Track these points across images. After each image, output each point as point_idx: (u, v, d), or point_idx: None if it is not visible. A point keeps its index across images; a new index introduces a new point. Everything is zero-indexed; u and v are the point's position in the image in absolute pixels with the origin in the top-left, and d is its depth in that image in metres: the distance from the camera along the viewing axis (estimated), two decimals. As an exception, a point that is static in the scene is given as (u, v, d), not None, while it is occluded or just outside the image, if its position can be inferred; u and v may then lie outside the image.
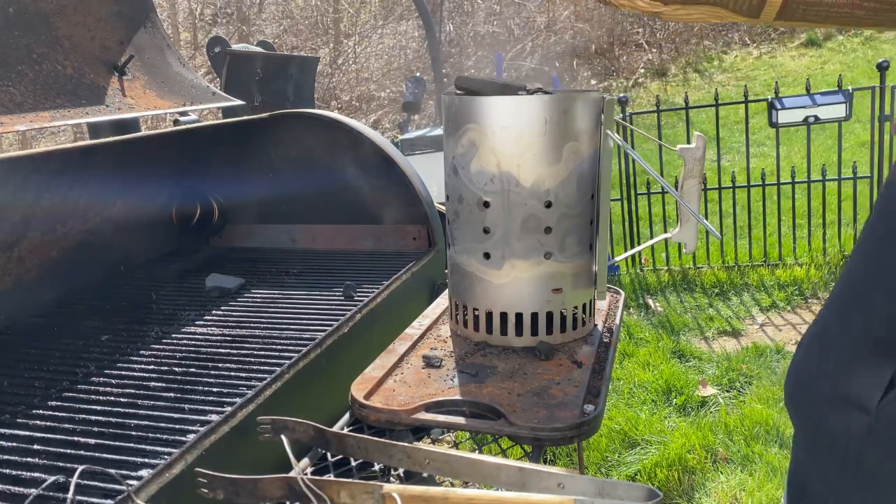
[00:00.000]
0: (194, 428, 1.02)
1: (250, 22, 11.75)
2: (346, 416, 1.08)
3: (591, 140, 1.14)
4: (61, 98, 1.63)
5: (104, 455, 0.97)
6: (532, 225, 1.14)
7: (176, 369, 1.25)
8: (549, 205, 1.13)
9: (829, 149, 5.82)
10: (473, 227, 1.17)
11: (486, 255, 1.16)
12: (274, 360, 1.25)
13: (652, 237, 4.47)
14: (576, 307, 1.20)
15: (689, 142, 1.17)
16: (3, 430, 1.06)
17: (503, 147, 1.11)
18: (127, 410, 1.10)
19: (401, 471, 0.95)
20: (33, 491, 0.88)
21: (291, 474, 0.83)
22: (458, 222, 1.20)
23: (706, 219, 4.25)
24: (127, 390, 1.18)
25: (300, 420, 0.93)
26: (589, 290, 1.21)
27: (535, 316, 1.17)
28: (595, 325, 1.26)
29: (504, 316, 1.18)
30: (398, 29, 11.40)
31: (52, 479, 0.90)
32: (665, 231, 4.56)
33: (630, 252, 1.45)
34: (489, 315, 1.19)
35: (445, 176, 1.21)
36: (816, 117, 3.94)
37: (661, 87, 9.42)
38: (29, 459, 0.97)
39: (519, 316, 1.18)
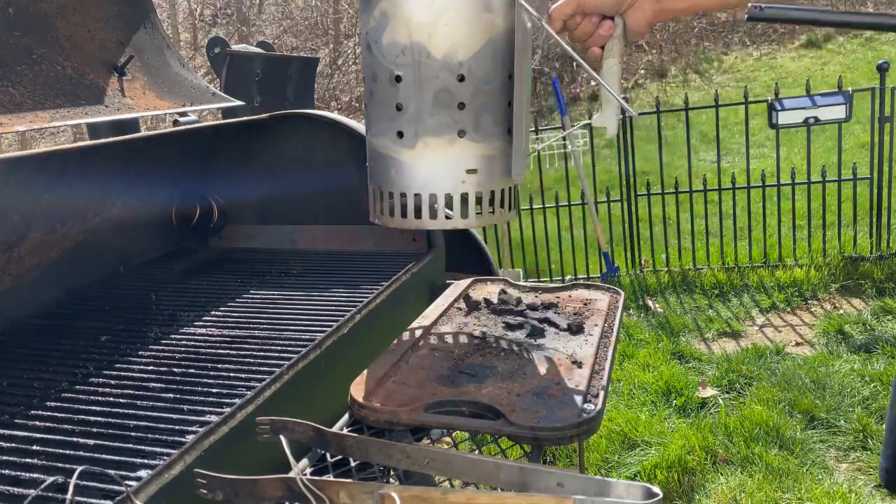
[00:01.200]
0: (193, 429, 1.02)
1: (250, 22, 11.77)
2: (346, 417, 1.08)
3: (507, 14, 1.10)
4: (61, 98, 1.63)
5: (103, 456, 0.97)
6: (445, 100, 1.10)
7: (175, 370, 1.25)
8: (461, 78, 1.09)
9: (829, 150, 5.82)
10: (387, 104, 1.13)
11: (400, 134, 1.13)
12: (273, 361, 1.25)
13: (652, 238, 4.47)
14: (493, 191, 1.15)
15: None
16: (2, 431, 1.06)
17: (414, 16, 1.08)
18: (126, 411, 1.10)
19: (400, 471, 0.95)
20: (32, 492, 0.88)
21: (290, 475, 0.83)
22: (373, 102, 1.16)
23: (706, 220, 4.26)
24: (126, 391, 1.18)
25: (299, 420, 0.93)
26: (508, 175, 1.17)
27: (449, 198, 1.13)
28: (593, 325, 1.26)
29: (418, 197, 1.14)
30: (398, 30, 11.39)
31: (50, 479, 0.90)
32: (665, 232, 4.56)
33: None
34: (403, 197, 1.15)
35: (361, 56, 1.18)
36: (816, 118, 3.95)
37: (660, 88, 9.43)
38: (28, 460, 0.97)
39: (433, 197, 1.13)
